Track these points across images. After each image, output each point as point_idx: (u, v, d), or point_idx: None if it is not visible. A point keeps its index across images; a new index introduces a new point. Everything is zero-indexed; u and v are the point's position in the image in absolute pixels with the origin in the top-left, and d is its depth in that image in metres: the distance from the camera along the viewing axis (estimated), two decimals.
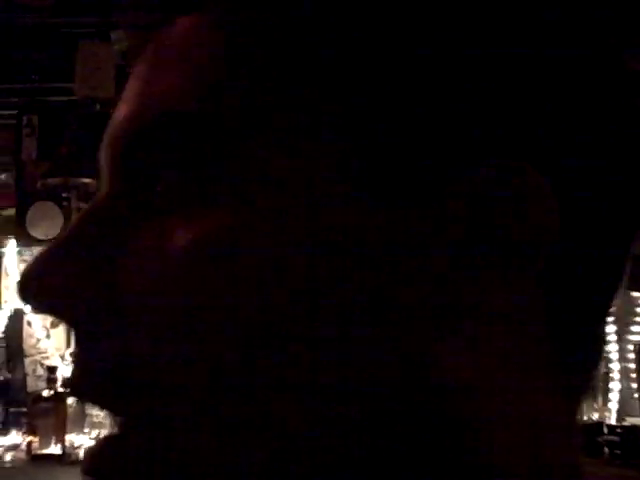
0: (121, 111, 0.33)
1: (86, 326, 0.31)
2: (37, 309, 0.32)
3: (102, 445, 0.33)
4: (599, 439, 2.30)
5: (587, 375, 0.34)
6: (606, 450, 2.27)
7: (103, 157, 0.34)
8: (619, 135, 0.32)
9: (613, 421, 2.55)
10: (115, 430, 0.32)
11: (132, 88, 0.33)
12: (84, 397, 0.33)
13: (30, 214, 2.73)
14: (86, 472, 0.32)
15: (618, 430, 2.37)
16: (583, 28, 0.32)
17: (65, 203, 2.70)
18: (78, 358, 0.32)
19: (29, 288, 0.31)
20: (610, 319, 2.68)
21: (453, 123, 0.29)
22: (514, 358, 0.30)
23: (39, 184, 2.68)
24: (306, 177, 0.29)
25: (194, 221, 0.29)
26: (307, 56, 0.30)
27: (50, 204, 2.73)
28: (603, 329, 0.35)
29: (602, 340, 0.35)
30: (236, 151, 0.29)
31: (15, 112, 2.77)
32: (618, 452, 2.25)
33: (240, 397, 0.29)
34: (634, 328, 2.70)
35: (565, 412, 0.32)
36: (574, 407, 0.33)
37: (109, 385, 0.31)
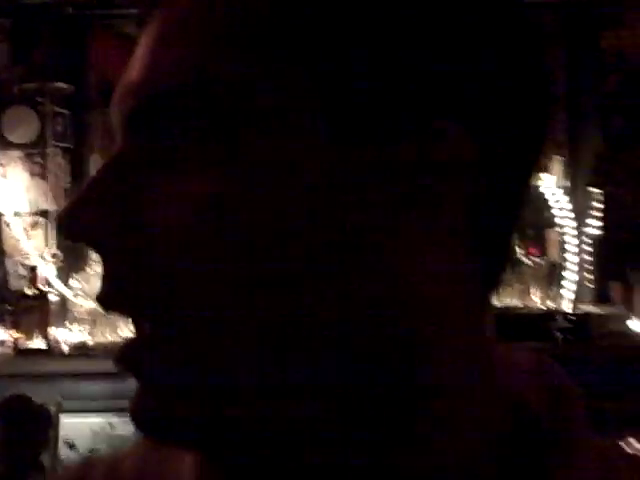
0: (131, 76, 0.40)
1: (114, 253, 0.39)
2: (75, 241, 0.40)
3: (133, 344, 0.40)
4: (554, 326, 2.43)
5: (498, 277, 0.43)
6: (559, 335, 2.40)
7: (115, 115, 0.41)
8: (521, 95, 0.40)
9: (567, 309, 2.65)
10: (140, 333, 0.39)
11: (141, 56, 0.40)
12: (116, 309, 0.40)
13: (5, 118, 2.77)
14: (118, 363, 0.40)
15: (570, 317, 2.50)
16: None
17: (40, 107, 2.74)
18: (109, 278, 0.40)
19: (67, 226, 0.39)
20: (570, 214, 2.78)
21: (404, 93, 0.37)
22: (447, 267, 0.39)
23: (15, 89, 2.71)
24: (285, 136, 0.37)
25: (201, 174, 0.37)
26: (286, 34, 0.37)
27: (25, 108, 2.76)
28: (510, 241, 0.44)
29: (509, 249, 0.44)
30: (232, 122, 0.37)
31: None
32: (570, 337, 2.38)
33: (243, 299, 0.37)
34: (592, 222, 2.77)
35: (481, 310, 0.42)
36: (487, 306, 0.43)
37: (137, 296, 0.39)
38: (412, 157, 0.38)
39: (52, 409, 1.39)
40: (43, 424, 1.34)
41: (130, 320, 0.40)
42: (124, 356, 0.40)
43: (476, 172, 0.39)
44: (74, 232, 0.39)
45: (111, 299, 0.40)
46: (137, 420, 0.40)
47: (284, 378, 0.38)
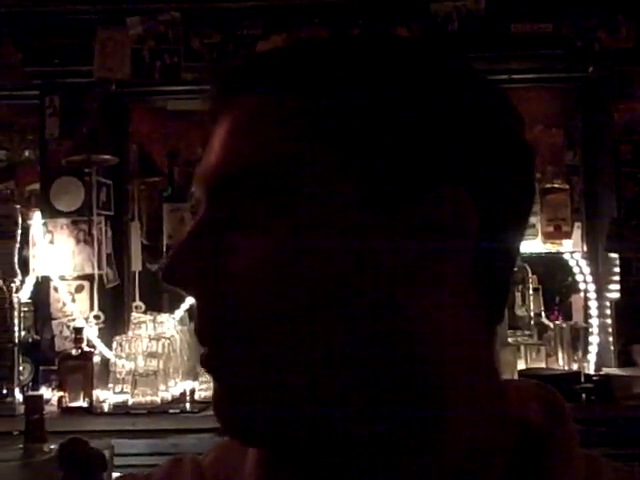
0: (211, 158, 0.53)
1: (204, 295, 0.51)
2: (175, 286, 0.52)
3: (214, 353, 0.52)
4: (577, 387, 2.48)
5: (501, 313, 0.55)
6: (583, 396, 2.46)
7: (198, 189, 0.54)
8: (509, 163, 0.53)
9: (591, 371, 2.70)
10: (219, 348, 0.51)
11: (218, 144, 0.53)
12: (206, 341, 0.52)
13: (54, 188, 2.89)
14: (202, 366, 0.53)
15: (594, 378, 2.55)
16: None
17: (86, 178, 2.87)
18: (200, 315, 0.52)
19: (168, 275, 0.52)
20: (590, 278, 2.86)
21: (419, 165, 0.50)
22: (453, 306, 0.50)
23: (63, 161, 2.85)
24: (332, 213, 0.49)
25: (264, 233, 0.49)
26: (330, 132, 0.50)
27: (72, 179, 2.89)
28: (509, 282, 0.55)
29: (508, 289, 0.55)
30: (287, 194, 0.49)
31: (38, 93, 2.93)
32: (593, 398, 2.43)
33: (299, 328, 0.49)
34: (612, 286, 2.83)
35: (488, 339, 0.53)
36: (493, 337, 0.54)
37: (223, 325, 0.50)
38: (421, 218, 0.49)
39: (106, 453, 1.48)
40: (99, 466, 1.43)
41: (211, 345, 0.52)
42: (207, 362, 0.52)
43: (477, 228, 0.50)
44: (174, 280, 0.52)
45: (203, 331, 0.52)
46: (219, 417, 0.52)
47: (333, 387, 0.49)
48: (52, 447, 1.40)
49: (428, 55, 0.54)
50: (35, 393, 2.51)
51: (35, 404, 1.51)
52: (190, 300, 2.99)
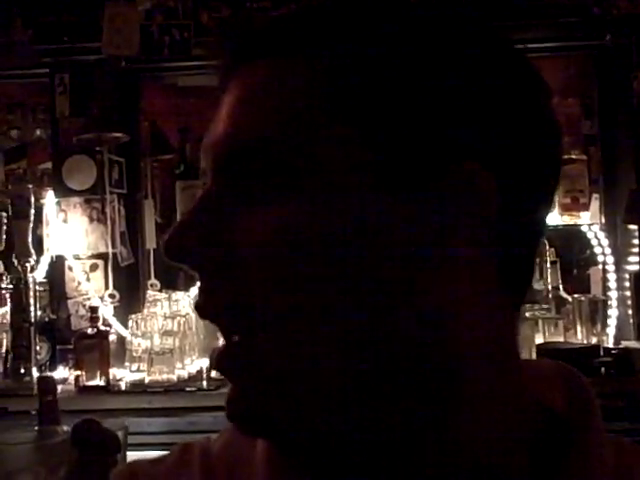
0: (219, 128, 0.50)
1: (210, 271, 0.49)
2: (178, 262, 0.49)
3: (225, 352, 0.49)
4: (596, 361, 2.46)
5: (524, 293, 0.52)
6: (602, 370, 2.43)
7: (206, 159, 0.52)
8: (533, 142, 0.49)
9: (610, 345, 2.67)
10: (229, 342, 0.49)
11: (226, 114, 0.50)
12: (209, 318, 0.50)
13: (66, 167, 2.89)
14: (215, 369, 0.52)
15: (613, 352, 2.52)
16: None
17: (98, 156, 2.86)
18: (204, 293, 0.50)
19: (170, 250, 0.49)
20: (608, 251, 2.82)
21: (438, 142, 0.47)
22: (473, 287, 0.47)
23: (74, 140, 2.83)
24: (344, 184, 0.47)
25: (275, 208, 0.47)
26: (355, 113, 0.47)
27: (84, 157, 2.88)
28: (533, 262, 0.53)
29: (532, 269, 0.53)
30: (300, 169, 0.47)
31: (47, 71, 2.91)
32: (612, 371, 2.41)
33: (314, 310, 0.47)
34: (631, 259, 2.79)
35: (510, 322, 0.51)
36: (516, 319, 0.52)
37: (228, 307, 0.48)
38: (439, 196, 0.47)
39: (120, 434, 1.47)
40: (113, 447, 1.42)
41: (220, 330, 0.50)
42: (218, 363, 0.50)
43: (498, 206, 0.47)
44: (177, 255, 0.49)
45: (206, 309, 0.50)
46: (231, 416, 0.50)
47: (351, 374, 0.47)
48: (66, 429, 1.39)
49: (449, 23, 0.50)
50: (47, 374, 2.51)
51: (48, 385, 1.50)
52: None
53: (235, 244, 0.48)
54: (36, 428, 1.48)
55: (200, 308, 0.50)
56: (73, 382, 2.62)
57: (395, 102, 0.47)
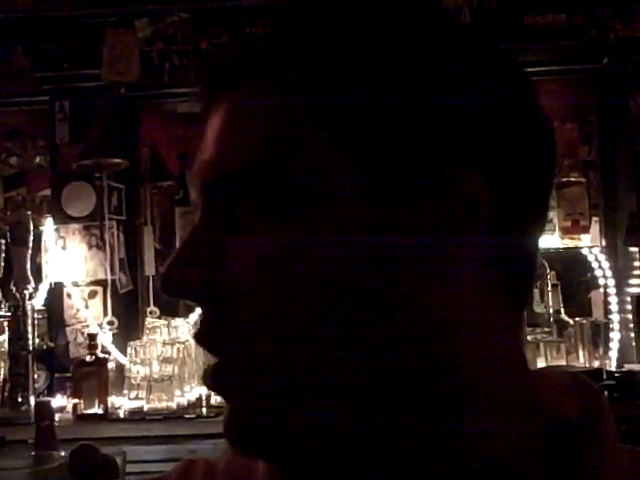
0: (205, 155, 0.49)
1: (205, 301, 0.48)
2: (175, 297, 0.49)
3: (218, 370, 0.48)
4: (599, 384, 2.44)
5: (526, 297, 0.51)
6: (606, 393, 2.41)
7: (194, 187, 0.50)
8: (522, 145, 0.49)
9: (613, 368, 2.65)
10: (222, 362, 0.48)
11: (213, 137, 0.49)
12: (207, 346, 0.49)
13: (65, 194, 2.89)
14: (207, 387, 0.50)
15: (616, 375, 2.50)
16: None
17: (97, 182, 2.86)
18: (206, 321, 0.48)
19: (167, 286, 0.48)
20: (609, 273, 2.81)
21: (427, 150, 0.46)
22: (473, 295, 0.46)
23: (74, 166, 2.83)
24: (337, 202, 0.45)
25: (266, 234, 0.46)
26: (339, 128, 0.46)
27: (83, 184, 2.88)
28: (534, 268, 0.52)
29: (533, 271, 0.52)
30: (289, 192, 0.46)
31: (47, 98, 2.93)
32: (615, 395, 2.39)
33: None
34: (632, 281, 2.79)
35: (514, 328, 0.50)
36: (520, 324, 0.51)
37: (225, 333, 0.47)
38: (433, 208, 0.46)
39: (118, 460, 1.45)
40: (110, 473, 1.41)
41: (215, 353, 0.48)
42: (212, 382, 0.49)
43: (492, 215, 0.46)
44: (173, 291, 0.49)
45: (203, 337, 0.49)
46: (228, 435, 0.49)
47: (351, 391, 0.46)
48: (63, 454, 1.37)
49: (437, 31, 0.50)
50: (44, 399, 2.49)
51: (45, 411, 1.49)
52: None
53: (229, 274, 0.47)
54: (32, 453, 1.46)
55: (197, 337, 0.49)
56: (71, 410, 2.60)
57: (381, 115, 0.46)
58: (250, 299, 0.46)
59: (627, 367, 2.65)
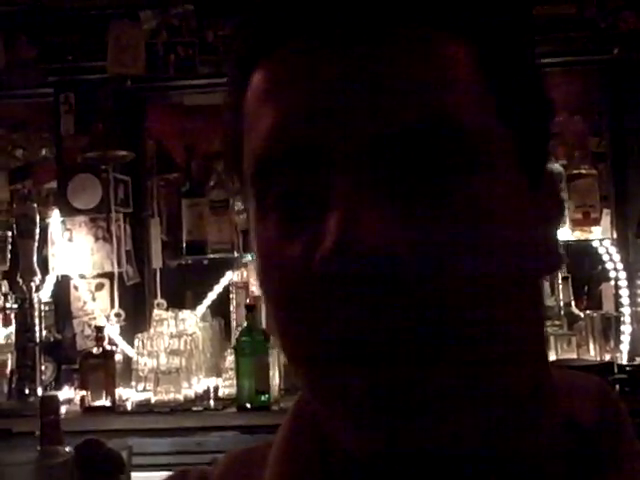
0: (392, 103, 0.42)
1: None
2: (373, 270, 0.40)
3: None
4: (610, 378, 2.41)
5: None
6: (617, 387, 2.38)
7: (357, 136, 0.42)
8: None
9: (624, 361, 2.62)
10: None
11: (397, 88, 0.42)
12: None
13: (71, 186, 2.88)
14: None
15: (627, 368, 2.48)
16: None
17: (103, 175, 2.85)
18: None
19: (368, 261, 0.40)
20: (620, 266, 2.79)
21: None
22: None
23: (79, 158, 2.82)
24: (509, 189, 0.44)
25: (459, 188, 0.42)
26: (505, 93, 0.45)
27: (89, 176, 2.87)
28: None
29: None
30: (470, 160, 0.43)
31: (52, 90, 2.91)
32: (627, 389, 2.36)
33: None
34: None
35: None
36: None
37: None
38: (544, 189, 0.48)
39: (124, 454, 1.44)
40: (116, 467, 1.39)
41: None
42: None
43: None
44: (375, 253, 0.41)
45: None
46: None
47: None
48: (68, 449, 1.36)
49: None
50: (50, 393, 2.48)
51: (50, 405, 1.47)
52: (212, 296, 2.97)
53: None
54: (38, 448, 1.44)
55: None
56: (78, 402, 2.59)
57: (539, 101, 0.48)
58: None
59: (638, 360, 2.63)
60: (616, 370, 2.46)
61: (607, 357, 2.64)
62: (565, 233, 2.77)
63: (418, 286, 0.40)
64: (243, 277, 2.92)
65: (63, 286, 2.89)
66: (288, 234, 0.44)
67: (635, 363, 2.58)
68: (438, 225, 0.42)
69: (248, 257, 2.92)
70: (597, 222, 2.82)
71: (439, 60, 0.43)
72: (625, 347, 2.71)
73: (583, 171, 2.84)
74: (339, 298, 0.41)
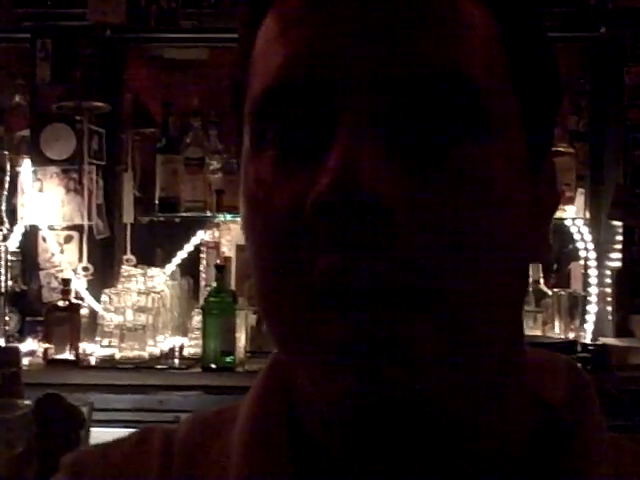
0: (407, 49, 0.41)
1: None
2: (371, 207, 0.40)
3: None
4: (573, 356, 2.44)
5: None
6: (579, 365, 2.41)
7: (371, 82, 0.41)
8: None
9: (588, 340, 2.65)
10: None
11: (414, 35, 0.41)
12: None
13: (44, 135, 2.82)
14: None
15: (590, 348, 2.51)
16: None
17: (78, 125, 2.79)
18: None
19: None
20: (591, 246, 2.80)
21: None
22: None
23: (54, 107, 2.77)
24: (516, 158, 0.44)
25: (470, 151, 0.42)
26: (521, 67, 0.45)
27: (63, 126, 2.81)
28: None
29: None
30: (485, 121, 0.42)
31: (29, 36, 2.84)
32: (589, 367, 2.39)
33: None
34: (613, 255, 2.77)
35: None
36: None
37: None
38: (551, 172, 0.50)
39: (84, 410, 1.43)
40: (76, 423, 1.38)
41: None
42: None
43: None
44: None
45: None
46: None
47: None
48: (27, 402, 1.34)
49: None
50: (11, 345, 2.46)
51: (11, 357, 1.45)
52: (182, 255, 2.94)
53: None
54: None
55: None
56: (41, 355, 2.56)
57: (551, 81, 0.48)
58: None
59: (602, 340, 2.66)
60: (579, 349, 2.49)
61: (571, 336, 2.67)
62: None
63: (407, 238, 0.40)
64: (215, 237, 2.90)
65: (31, 237, 2.85)
66: (284, 173, 0.43)
67: (598, 343, 2.61)
68: (437, 184, 0.41)
69: (221, 217, 2.90)
70: (572, 201, 2.83)
71: (460, 17, 0.43)
72: (590, 327, 2.74)
73: (561, 149, 2.84)
74: (328, 239, 0.40)
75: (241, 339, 2.52)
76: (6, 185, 2.69)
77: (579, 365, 0.53)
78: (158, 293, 2.69)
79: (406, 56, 0.41)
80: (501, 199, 0.43)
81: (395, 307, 0.40)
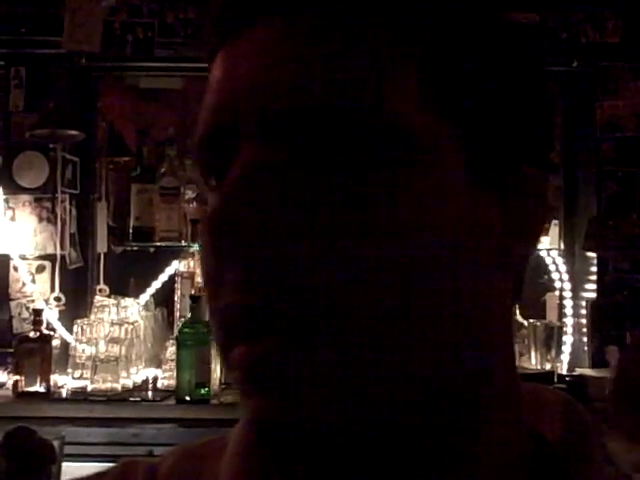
0: (314, 78, 0.42)
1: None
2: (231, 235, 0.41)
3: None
4: (550, 387, 2.43)
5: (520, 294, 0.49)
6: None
7: (249, 117, 0.43)
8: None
9: (564, 371, 2.66)
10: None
11: (324, 67, 0.42)
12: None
13: (17, 163, 2.79)
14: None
15: (567, 379, 2.51)
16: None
17: (51, 153, 2.77)
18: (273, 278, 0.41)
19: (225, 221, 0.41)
20: (566, 277, 2.82)
21: (516, 143, 0.46)
22: (503, 284, 0.45)
23: (27, 135, 2.74)
24: (444, 183, 0.42)
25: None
26: (449, 99, 0.43)
27: (36, 154, 2.79)
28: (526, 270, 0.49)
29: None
30: (400, 148, 0.41)
31: (3, 63, 2.82)
32: None
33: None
34: (588, 286, 2.80)
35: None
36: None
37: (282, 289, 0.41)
38: (511, 198, 0.45)
39: (56, 443, 1.39)
40: (47, 457, 1.34)
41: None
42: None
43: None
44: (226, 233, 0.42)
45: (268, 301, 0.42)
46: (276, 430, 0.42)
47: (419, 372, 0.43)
48: None
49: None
50: None
51: None
52: (157, 285, 2.91)
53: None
54: None
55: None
56: (11, 387, 2.51)
57: (494, 102, 0.45)
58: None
59: (578, 371, 2.67)
60: (556, 380, 2.49)
61: (548, 366, 2.67)
62: None
63: (304, 273, 0.41)
64: (190, 267, 2.87)
65: (2, 266, 2.80)
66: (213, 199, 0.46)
67: (574, 374, 2.62)
68: (331, 214, 0.41)
69: (196, 247, 2.88)
70: (546, 232, 2.85)
71: (376, 52, 0.43)
72: (566, 357, 2.75)
73: None
74: (227, 261, 0.42)
75: (216, 370, 2.49)
76: None
77: (577, 402, 0.52)
78: (131, 324, 2.65)
79: (296, 88, 0.42)
80: (408, 223, 0.41)
81: (289, 335, 0.41)
